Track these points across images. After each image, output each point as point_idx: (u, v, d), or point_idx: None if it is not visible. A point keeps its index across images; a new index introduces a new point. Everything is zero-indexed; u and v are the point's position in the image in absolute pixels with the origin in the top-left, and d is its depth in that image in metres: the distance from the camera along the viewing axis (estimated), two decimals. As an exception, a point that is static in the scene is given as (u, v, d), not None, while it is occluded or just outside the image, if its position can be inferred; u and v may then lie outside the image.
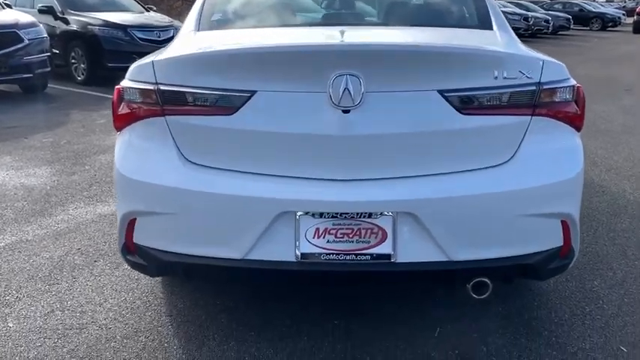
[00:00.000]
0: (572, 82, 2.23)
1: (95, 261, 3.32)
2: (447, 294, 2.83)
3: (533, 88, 2.12)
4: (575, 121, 2.24)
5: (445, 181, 2.10)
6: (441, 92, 2.06)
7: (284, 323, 2.66)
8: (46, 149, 5.85)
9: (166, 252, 2.25)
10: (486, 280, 2.22)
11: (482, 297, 2.27)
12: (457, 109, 2.06)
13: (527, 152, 2.16)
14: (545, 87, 2.13)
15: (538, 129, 2.16)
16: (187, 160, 2.19)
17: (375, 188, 2.09)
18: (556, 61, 2.24)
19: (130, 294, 2.93)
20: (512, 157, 2.16)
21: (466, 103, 2.07)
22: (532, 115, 2.14)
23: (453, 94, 2.06)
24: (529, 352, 2.46)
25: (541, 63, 2.15)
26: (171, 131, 2.19)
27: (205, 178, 2.15)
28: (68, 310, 2.80)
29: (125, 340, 2.56)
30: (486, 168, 2.14)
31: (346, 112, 2.03)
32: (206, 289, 2.92)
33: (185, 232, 2.21)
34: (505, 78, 2.08)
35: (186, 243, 2.22)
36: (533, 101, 2.14)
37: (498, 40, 2.52)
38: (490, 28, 2.63)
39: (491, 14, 2.71)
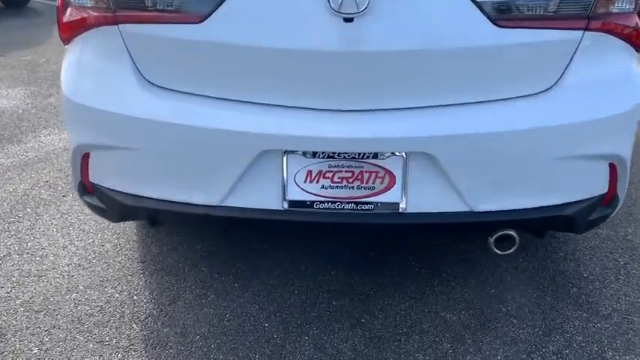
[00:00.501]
0: (636, -12, 1.74)
1: (63, 196, 2.95)
2: (460, 243, 2.46)
3: (589, -6, 1.64)
4: (636, 39, 1.77)
5: (471, 114, 1.67)
6: (470, -3, 1.58)
7: (272, 274, 2.31)
8: (22, 68, 5.37)
9: (128, 194, 1.86)
10: (512, 233, 1.84)
11: (507, 253, 1.89)
12: (491, 20, 1.59)
13: (575, 78, 1.71)
14: (602, -7, 1.65)
15: (590, 48, 1.70)
16: (148, 81, 1.75)
17: (383, 121, 1.66)
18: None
19: (99, 235, 2.57)
20: (555, 83, 1.72)
21: (503, 12, 1.60)
22: (585, 29, 1.67)
23: (486, -1, 1.58)
24: (555, 313, 2.11)
25: None
26: (126, 44, 1.74)
27: (170, 105, 1.73)
28: (27, 253, 2.46)
29: (88, 291, 2.22)
30: (523, 97, 1.70)
31: (348, 20, 1.57)
32: (185, 231, 2.56)
33: (148, 172, 1.81)
34: (554, -20, 1.60)
35: (150, 185, 1.83)
36: (588, 12, 1.66)
37: None
38: None
39: None
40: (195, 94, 1.72)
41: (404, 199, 1.72)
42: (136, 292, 2.22)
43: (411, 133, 1.65)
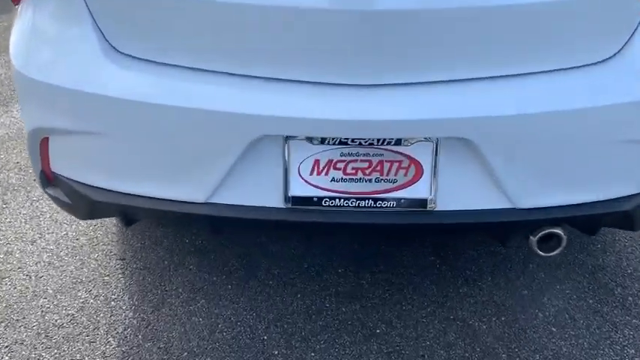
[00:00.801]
0: None
1: (35, 180, 2.61)
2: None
3: None
4: None
5: (520, 88, 1.34)
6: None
7: (270, 273, 2.01)
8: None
9: (96, 188, 1.54)
10: (560, 231, 1.53)
11: (552, 254, 1.59)
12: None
13: (646, 43, 1.38)
14: None
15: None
16: (115, 49, 1.42)
17: (409, 98, 1.33)
18: None
19: (72, 227, 2.25)
20: (620, 50, 1.39)
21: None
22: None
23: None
24: (600, 319, 1.83)
25: None
26: (87, 2, 1.40)
27: (142, 79, 1.39)
28: (-10, 249, 2.15)
29: (59, 296, 1.92)
30: (580, 67, 1.38)
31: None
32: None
33: (120, 162, 1.49)
34: None
35: (123, 177, 1.51)
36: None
37: None
38: None
39: None
40: (174, 66, 1.38)
41: (433, 195, 1.40)
42: (113, 297, 1.91)
43: (445, 113, 1.32)
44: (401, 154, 1.38)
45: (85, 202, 1.57)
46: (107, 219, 2.27)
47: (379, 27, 1.26)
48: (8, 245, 2.17)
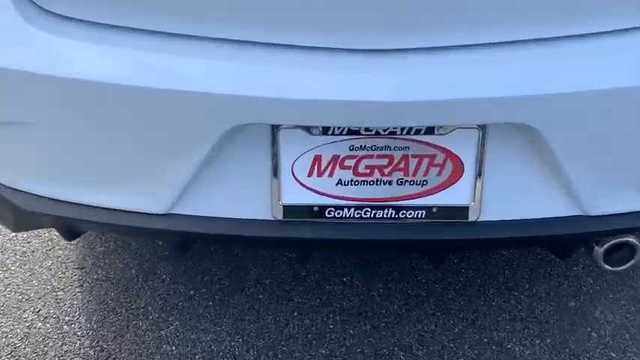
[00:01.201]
0: None
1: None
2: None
3: None
4: None
5: (597, 54, 0.96)
6: None
7: (260, 285, 1.64)
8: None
9: (27, 194, 1.16)
10: (635, 240, 1.16)
11: (621, 269, 1.23)
12: None
13: None
14: None
15: None
16: (42, 9, 1.02)
17: (443, 69, 0.95)
18: None
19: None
20: None
21: None
22: None
23: None
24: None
25: None
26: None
27: (80, 48, 1.00)
28: None
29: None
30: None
31: None
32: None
33: (56, 161, 1.11)
34: None
35: (60, 181, 1.13)
36: None
37: None
38: None
39: None
40: (121, 28, 0.99)
41: (477, 200, 1.03)
42: (66, 319, 1.55)
43: (496, 90, 0.94)
44: (434, 146, 1.00)
45: (14, 212, 1.19)
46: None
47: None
48: (-57, 252, 1.79)
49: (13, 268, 1.73)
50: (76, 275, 1.70)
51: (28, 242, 1.82)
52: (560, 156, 0.97)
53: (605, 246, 1.18)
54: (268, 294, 1.61)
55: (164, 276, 1.68)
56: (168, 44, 0.96)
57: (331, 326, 1.52)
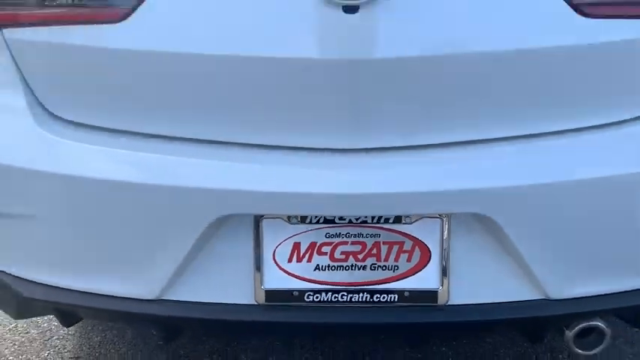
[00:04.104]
0: None
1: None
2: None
3: None
4: None
5: (551, 151, 1.08)
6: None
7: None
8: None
9: (28, 281, 1.24)
10: (601, 324, 1.22)
11: (590, 352, 1.27)
12: (575, 7, 1.02)
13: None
14: None
15: None
16: (50, 113, 1.17)
17: (410, 165, 1.07)
18: None
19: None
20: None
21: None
22: None
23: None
24: None
25: None
26: (15, 59, 1.16)
27: (82, 149, 1.13)
28: None
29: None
30: (622, 123, 1.11)
31: (351, 10, 0.99)
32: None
33: (55, 250, 1.21)
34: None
35: (58, 269, 1.22)
36: None
37: None
38: None
39: None
40: (118, 131, 1.12)
41: (445, 284, 1.11)
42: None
43: (455, 183, 1.05)
44: (402, 234, 1.10)
45: (15, 299, 1.27)
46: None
47: (368, 79, 1.02)
48: (-55, 342, 1.84)
49: (10, 358, 1.77)
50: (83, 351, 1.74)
51: (27, 332, 1.88)
52: (519, 245, 1.07)
53: (575, 330, 1.24)
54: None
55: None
56: (158, 145, 1.09)
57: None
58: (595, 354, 1.28)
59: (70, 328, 1.86)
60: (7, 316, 1.85)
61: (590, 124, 1.08)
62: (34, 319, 1.91)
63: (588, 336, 1.26)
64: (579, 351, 1.27)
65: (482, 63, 1.02)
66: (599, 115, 1.09)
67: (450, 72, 1.02)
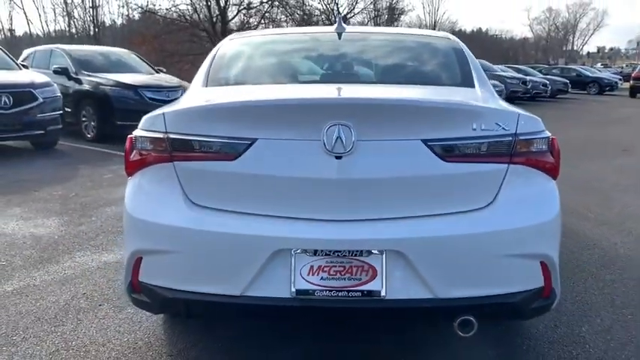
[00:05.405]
0: (547, 134, 2.43)
1: (100, 305, 3.44)
2: (446, 338, 2.92)
3: (510, 139, 2.32)
4: (551, 170, 2.43)
5: (430, 223, 2.26)
6: (425, 141, 2.25)
7: (280, 363, 2.75)
8: (54, 201, 6.04)
9: (169, 289, 2.39)
10: (471, 318, 2.34)
11: (468, 335, 2.37)
12: (440, 157, 2.25)
13: (506, 197, 2.33)
14: (521, 138, 2.34)
15: (516, 176, 2.35)
16: (192, 202, 2.37)
17: (366, 228, 2.25)
18: (531, 115, 2.45)
19: (132, 335, 3.04)
20: (492, 201, 2.33)
21: (448, 152, 2.27)
22: (509, 163, 2.33)
23: (436, 143, 2.25)
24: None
25: (517, 116, 2.36)
26: (178, 175, 2.38)
27: (207, 218, 2.33)
28: (73, 349, 2.91)
29: (127, 378, 2.65)
30: (468, 211, 2.31)
31: (339, 157, 2.23)
32: (206, 332, 3.03)
33: (187, 270, 2.36)
34: (483, 129, 2.29)
35: (188, 280, 2.36)
36: (510, 151, 2.33)
37: (478, 96, 2.76)
38: (472, 86, 2.88)
39: (473, 74, 2.98)
40: (227, 210, 2.33)
41: (384, 288, 2.25)
42: (166, 378, 2.65)
43: (386, 236, 2.24)
44: (363, 261, 2.26)
45: (159, 300, 2.41)
46: (157, 330, 3.06)
47: (347, 189, 2.24)
48: (85, 347, 2.93)
49: (129, 354, 2.85)
50: (173, 354, 2.81)
51: (136, 343, 2.96)
52: (416, 266, 2.22)
53: (457, 321, 2.36)
54: (284, 367, 2.71)
55: None
56: (249, 217, 2.29)
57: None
58: (470, 335, 2.39)
59: (162, 340, 2.95)
60: (119, 334, 2.96)
61: (447, 211, 2.28)
62: (139, 335, 3.00)
63: (466, 326, 2.38)
64: (461, 333, 2.38)
65: (398, 183, 2.24)
66: (449, 207, 2.29)
67: (382, 186, 2.24)
